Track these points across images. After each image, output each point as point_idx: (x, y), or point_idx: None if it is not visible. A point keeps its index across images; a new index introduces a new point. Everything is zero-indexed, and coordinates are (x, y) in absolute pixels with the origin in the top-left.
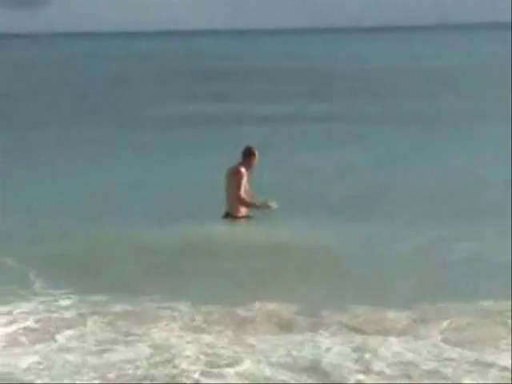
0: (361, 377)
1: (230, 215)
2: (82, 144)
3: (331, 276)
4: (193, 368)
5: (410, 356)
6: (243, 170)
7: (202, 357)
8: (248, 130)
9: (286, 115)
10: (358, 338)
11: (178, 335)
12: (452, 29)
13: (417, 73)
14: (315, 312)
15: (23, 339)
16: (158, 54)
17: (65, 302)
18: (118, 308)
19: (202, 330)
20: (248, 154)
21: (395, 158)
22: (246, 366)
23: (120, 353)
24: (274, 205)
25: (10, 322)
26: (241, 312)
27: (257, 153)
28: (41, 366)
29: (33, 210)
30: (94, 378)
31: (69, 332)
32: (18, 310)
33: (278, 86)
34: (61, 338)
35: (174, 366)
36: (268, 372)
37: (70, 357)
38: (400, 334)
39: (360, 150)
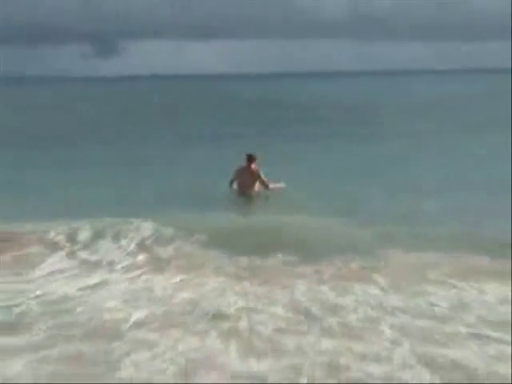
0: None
1: (246, 194)
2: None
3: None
4: None
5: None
6: (254, 166)
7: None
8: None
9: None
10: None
11: None
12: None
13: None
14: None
15: None
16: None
17: None
18: None
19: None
20: (250, 159)
21: None
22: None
23: None
24: (283, 184)
25: None
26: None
27: (257, 157)
28: None
29: None
30: None
31: None
32: None
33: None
34: None
35: None
36: None
37: None
38: None
39: None
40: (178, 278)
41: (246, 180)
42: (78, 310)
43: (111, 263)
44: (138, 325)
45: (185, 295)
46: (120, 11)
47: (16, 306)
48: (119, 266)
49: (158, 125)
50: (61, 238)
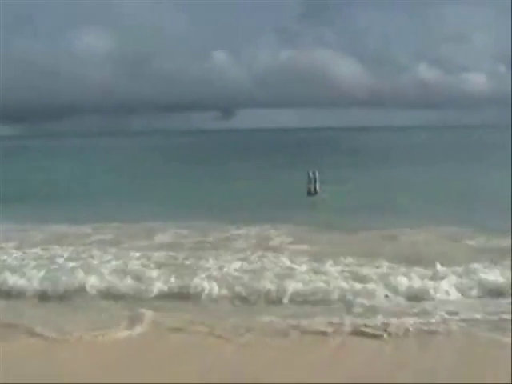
0: None
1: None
2: None
3: None
4: None
5: None
6: None
7: None
8: None
9: None
10: None
11: None
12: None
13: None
14: None
15: None
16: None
17: None
18: None
19: None
20: None
21: None
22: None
23: None
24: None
25: None
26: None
27: None
28: None
29: None
30: None
31: None
32: None
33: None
34: None
35: None
36: None
37: None
38: None
39: None
40: None
41: None
42: None
43: None
44: None
45: None
46: (233, 94)
47: None
48: None
49: (260, 152)
50: None
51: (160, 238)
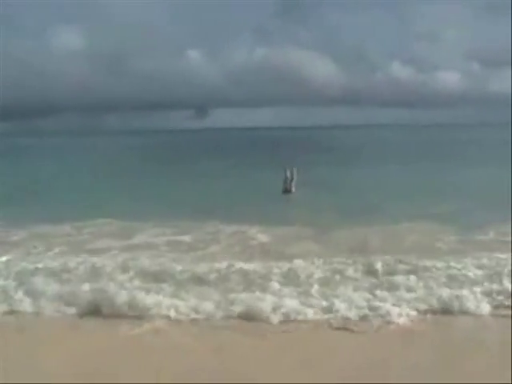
0: None
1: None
2: None
3: None
4: None
5: None
6: None
7: None
8: None
9: None
10: None
11: None
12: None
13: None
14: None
15: None
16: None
17: None
18: None
19: None
20: None
21: None
22: None
23: None
24: None
25: None
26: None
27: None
28: None
29: None
30: None
31: None
32: None
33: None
34: None
35: None
36: None
37: None
38: None
39: None
40: None
41: None
42: None
43: None
44: None
45: None
46: (207, 93)
47: None
48: None
49: (235, 151)
50: None
51: (139, 238)
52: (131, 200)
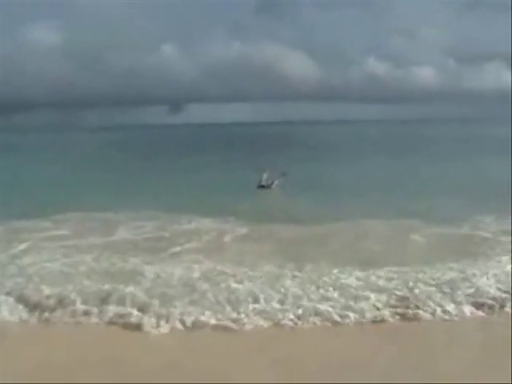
0: None
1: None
2: None
3: None
4: None
5: None
6: None
7: None
8: None
9: None
10: None
11: None
12: None
13: None
14: None
15: None
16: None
17: None
18: None
19: None
20: None
21: None
22: None
23: None
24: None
25: None
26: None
27: None
28: None
29: None
30: None
31: None
32: None
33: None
34: None
35: None
36: None
37: None
38: None
39: None
40: None
41: None
42: None
43: None
44: None
45: None
46: (182, 88)
47: None
48: None
49: (210, 148)
50: None
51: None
52: (108, 194)
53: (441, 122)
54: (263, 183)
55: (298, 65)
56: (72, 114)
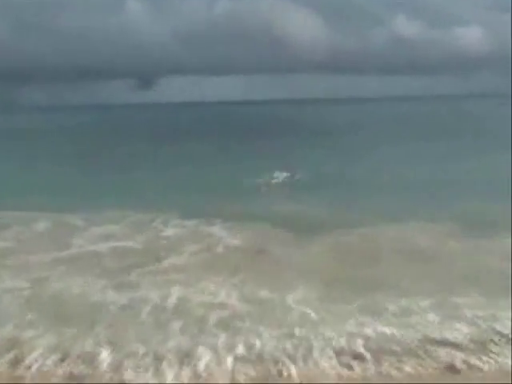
0: None
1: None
2: None
3: None
4: None
5: None
6: None
7: None
8: None
9: None
10: None
11: None
12: None
13: None
14: None
15: None
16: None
17: None
18: None
19: None
20: None
21: None
22: None
23: None
24: None
25: None
26: None
27: None
28: None
29: None
30: None
31: None
32: None
33: None
34: None
35: None
36: None
37: None
38: None
39: None
40: None
41: None
42: None
43: None
44: None
45: None
46: (154, 57)
47: None
48: None
49: (188, 134)
50: None
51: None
52: (61, 192)
53: (490, 98)
54: (264, 184)
55: (303, 26)
56: (11, 90)
